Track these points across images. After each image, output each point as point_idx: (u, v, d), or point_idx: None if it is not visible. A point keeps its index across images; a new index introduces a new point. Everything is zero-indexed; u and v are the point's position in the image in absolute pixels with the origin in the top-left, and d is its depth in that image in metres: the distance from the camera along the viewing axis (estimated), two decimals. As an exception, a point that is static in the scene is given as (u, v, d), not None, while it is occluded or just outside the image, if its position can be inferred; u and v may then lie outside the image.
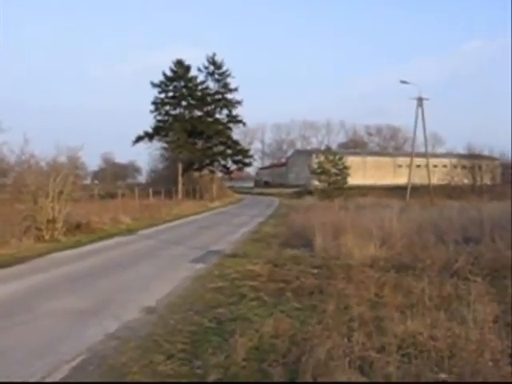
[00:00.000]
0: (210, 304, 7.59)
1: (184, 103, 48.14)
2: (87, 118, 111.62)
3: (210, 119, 48.82)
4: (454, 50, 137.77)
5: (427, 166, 38.64)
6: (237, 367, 4.85)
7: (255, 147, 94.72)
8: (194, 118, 48.03)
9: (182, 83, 47.40)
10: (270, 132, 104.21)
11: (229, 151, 50.57)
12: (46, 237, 16.15)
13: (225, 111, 50.25)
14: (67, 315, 7.20)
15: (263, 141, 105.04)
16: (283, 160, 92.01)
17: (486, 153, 56.04)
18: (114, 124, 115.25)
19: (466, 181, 48.91)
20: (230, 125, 50.61)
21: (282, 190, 66.00)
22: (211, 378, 4.65)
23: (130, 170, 79.22)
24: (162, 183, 42.35)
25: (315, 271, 9.77)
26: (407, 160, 46.56)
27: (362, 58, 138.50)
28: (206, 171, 51.45)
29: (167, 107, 48.01)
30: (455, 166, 56.18)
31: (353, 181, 50.81)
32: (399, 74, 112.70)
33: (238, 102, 49.50)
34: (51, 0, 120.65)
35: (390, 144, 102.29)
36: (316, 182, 50.55)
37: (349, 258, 10.54)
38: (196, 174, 51.49)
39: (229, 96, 49.54)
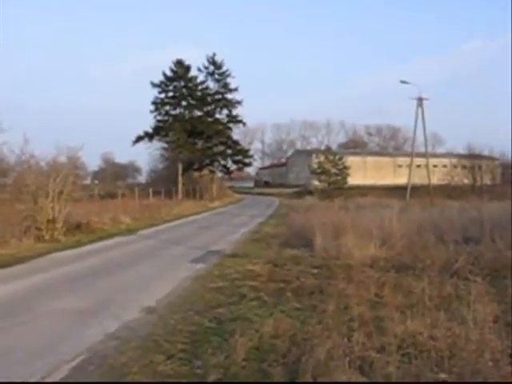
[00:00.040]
0: (210, 304, 7.59)
1: (184, 103, 48.16)
2: (87, 118, 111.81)
3: (209, 119, 48.82)
4: (454, 49, 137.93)
5: (427, 166, 38.65)
6: (237, 367, 4.85)
7: (255, 147, 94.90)
8: (193, 118, 48.04)
9: (182, 83, 47.41)
10: (269, 132, 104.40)
11: (229, 151, 50.58)
12: (46, 237, 16.16)
13: (225, 111, 50.35)
14: (67, 315, 7.21)
15: (263, 141, 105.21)
16: (283, 160, 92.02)
17: (486, 153, 56.09)
18: (114, 124, 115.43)
19: (466, 181, 48.92)
20: (230, 125, 50.64)
21: (281, 190, 65.99)
22: (211, 378, 4.65)
23: (129, 170, 79.25)
24: (162, 183, 42.35)
25: (315, 271, 9.77)
26: (407, 160, 46.59)
27: (361, 57, 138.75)
28: (206, 171, 51.46)
29: (167, 107, 48.02)
30: (455, 166, 56.18)
31: (353, 181, 50.84)
32: (399, 74, 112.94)
33: (238, 102, 49.55)
34: (51, 0, 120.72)
35: (390, 144, 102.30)
36: (316, 182, 50.57)
37: (349, 258, 10.54)
38: (196, 174, 51.49)
39: (229, 96, 49.63)
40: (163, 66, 49.45)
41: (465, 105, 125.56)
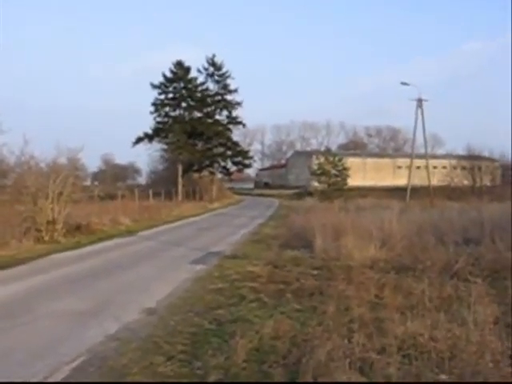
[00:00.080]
0: (210, 305, 7.59)
1: (184, 104, 48.19)
2: (87, 119, 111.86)
3: (209, 120, 48.82)
4: (454, 50, 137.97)
5: (427, 167, 38.69)
6: (237, 368, 4.84)
7: (255, 148, 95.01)
8: (193, 119, 48.07)
9: (182, 84, 47.45)
10: (269, 133, 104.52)
11: (229, 152, 50.56)
12: (46, 238, 16.16)
13: (225, 112, 50.33)
14: (67, 316, 7.20)
15: (263, 142, 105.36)
16: (283, 161, 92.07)
17: (485, 154, 56.19)
18: (114, 125, 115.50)
19: (465, 182, 48.93)
20: (230, 126, 50.62)
21: (281, 191, 66.01)
22: (211, 379, 4.64)
23: (129, 171, 79.38)
24: (162, 184, 42.35)
25: (315, 272, 9.77)
26: (407, 161, 46.61)
27: (361, 58, 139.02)
28: (205, 172, 51.46)
29: (167, 108, 48.02)
30: (455, 167, 56.22)
31: (353, 182, 50.87)
32: (399, 74, 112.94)
33: (238, 104, 49.54)
34: (51, 0, 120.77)
35: (389, 145, 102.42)
36: (316, 184, 50.59)
37: (349, 259, 10.54)
38: (196, 175, 51.50)
39: (228, 97, 49.63)
40: (163, 66, 49.84)
41: (465, 105, 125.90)
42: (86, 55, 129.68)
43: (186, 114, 48.41)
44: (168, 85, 47.29)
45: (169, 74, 46.93)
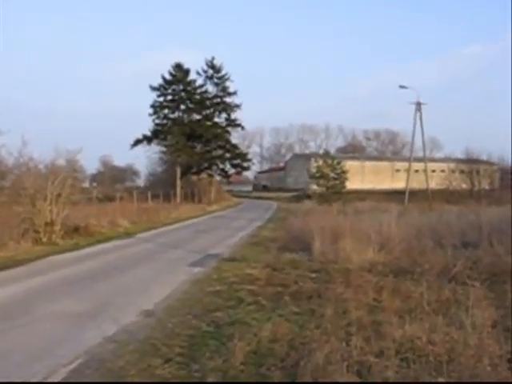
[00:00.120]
0: (208, 308, 7.58)
1: (183, 107, 48.29)
2: (86, 120, 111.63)
3: (208, 123, 48.90)
4: (454, 52, 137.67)
5: (425, 170, 38.79)
6: (235, 371, 4.84)
7: (254, 151, 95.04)
8: (192, 121, 48.15)
9: (181, 87, 47.54)
10: (268, 136, 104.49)
11: (227, 155, 50.63)
12: (44, 239, 16.13)
13: (223, 115, 50.47)
14: (65, 318, 7.19)
15: (262, 145, 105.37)
16: (282, 164, 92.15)
17: (484, 158, 56.35)
18: (113, 126, 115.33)
19: (464, 185, 49.06)
20: (229, 128, 50.76)
21: (280, 194, 65.99)
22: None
23: (128, 173, 79.33)
24: (161, 186, 42.39)
25: (313, 275, 9.77)
26: (405, 165, 46.65)
27: (361, 59, 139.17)
28: (204, 175, 51.53)
29: (166, 111, 48.12)
30: (453, 171, 56.41)
31: (351, 185, 50.96)
32: (399, 76, 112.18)
33: (237, 106, 49.70)
34: (51, 0, 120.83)
35: (388, 148, 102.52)
36: (314, 186, 50.67)
37: (347, 262, 10.55)
38: (194, 177, 51.57)
39: (227, 100, 49.77)
40: (163, 67, 50.03)
41: (464, 109, 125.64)
42: (86, 55, 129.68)
43: (185, 116, 48.50)
44: (167, 87, 47.39)
45: (168, 76, 47.08)
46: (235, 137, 54.32)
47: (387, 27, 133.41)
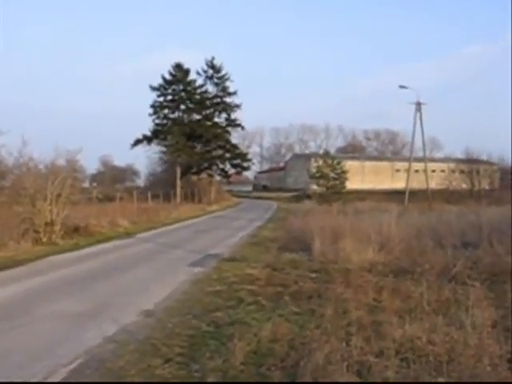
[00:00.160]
0: (208, 308, 7.58)
1: (183, 107, 48.29)
2: (86, 120, 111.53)
3: (208, 123, 48.90)
4: (454, 52, 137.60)
5: (425, 170, 38.79)
6: (235, 371, 4.84)
7: (254, 151, 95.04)
8: (192, 121, 48.16)
9: (181, 87, 47.54)
10: (268, 136, 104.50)
11: (227, 155, 50.63)
12: (44, 239, 16.13)
13: (223, 115, 50.48)
14: (65, 318, 7.19)
15: (262, 145, 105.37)
16: (282, 164, 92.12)
17: (484, 158, 56.35)
18: (113, 126, 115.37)
19: (464, 185, 49.04)
20: (229, 128, 50.76)
21: (280, 194, 65.98)
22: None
23: (128, 173, 79.31)
24: (161, 186, 42.38)
25: (313, 275, 9.77)
26: (405, 165, 46.66)
27: (361, 59, 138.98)
28: (204, 175, 51.53)
29: (166, 111, 48.13)
30: (453, 171, 56.41)
31: (351, 185, 50.96)
32: (399, 76, 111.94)
33: (237, 106, 49.70)
34: (51, 0, 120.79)
35: (388, 148, 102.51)
36: (314, 186, 50.67)
37: (347, 262, 10.55)
38: (194, 177, 51.56)
39: (227, 100, 49.77)
40: (163, 67, 49.98)
41: (464, 109, 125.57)
42: (86, 55, 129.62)
43: (185, 116, 48.50)
44: (167, 87, 47.39)
45: (168, 77, 47.08)
46: (235, 137, 54.46)
47: (387, 27, 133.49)
